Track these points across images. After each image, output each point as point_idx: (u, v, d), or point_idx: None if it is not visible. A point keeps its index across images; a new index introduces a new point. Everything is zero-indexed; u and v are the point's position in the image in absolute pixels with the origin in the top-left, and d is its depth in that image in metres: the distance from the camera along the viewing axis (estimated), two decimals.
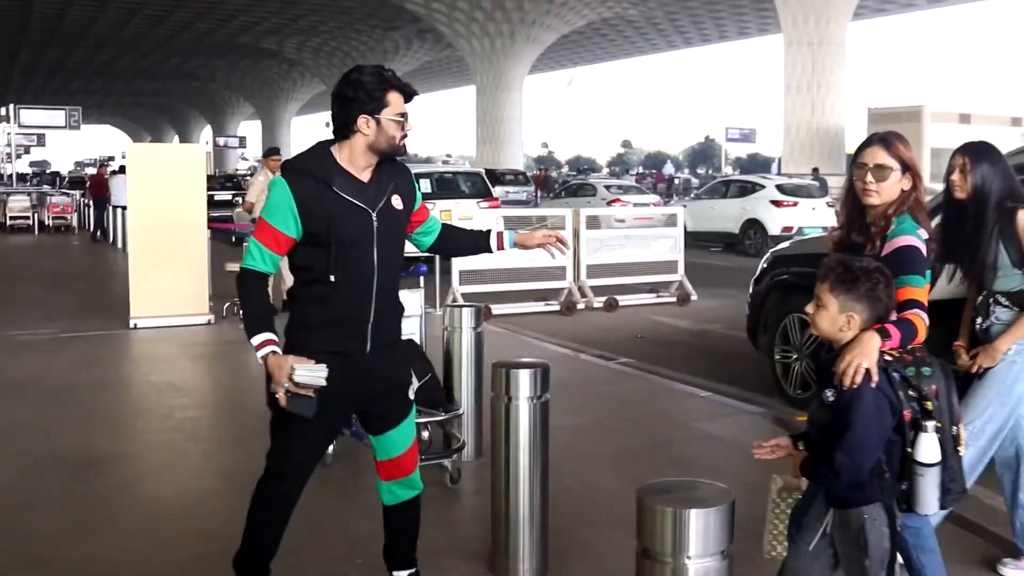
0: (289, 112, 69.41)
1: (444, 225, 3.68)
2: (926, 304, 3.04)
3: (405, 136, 3.23)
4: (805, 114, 29.45)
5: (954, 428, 2.86)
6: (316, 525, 4.45)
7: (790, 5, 29.33)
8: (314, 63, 55.27)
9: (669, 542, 2.35)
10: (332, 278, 3.13)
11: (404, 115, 3.21)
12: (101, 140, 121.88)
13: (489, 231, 3.71)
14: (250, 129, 79.25)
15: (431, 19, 40.78)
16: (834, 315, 2.76)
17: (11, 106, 36.12)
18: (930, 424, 2.75)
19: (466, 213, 13.36)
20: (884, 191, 3.19)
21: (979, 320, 3.93)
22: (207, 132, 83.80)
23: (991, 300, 3.88)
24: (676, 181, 56.97)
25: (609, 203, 23.08)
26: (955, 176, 3.89)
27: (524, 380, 3.90)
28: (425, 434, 5.60)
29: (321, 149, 3.24)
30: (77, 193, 30.36)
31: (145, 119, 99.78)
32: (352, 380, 3.17)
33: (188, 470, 5.59)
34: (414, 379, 5.01)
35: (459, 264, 10.95)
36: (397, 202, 3.28)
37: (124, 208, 20.16)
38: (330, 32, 49.87)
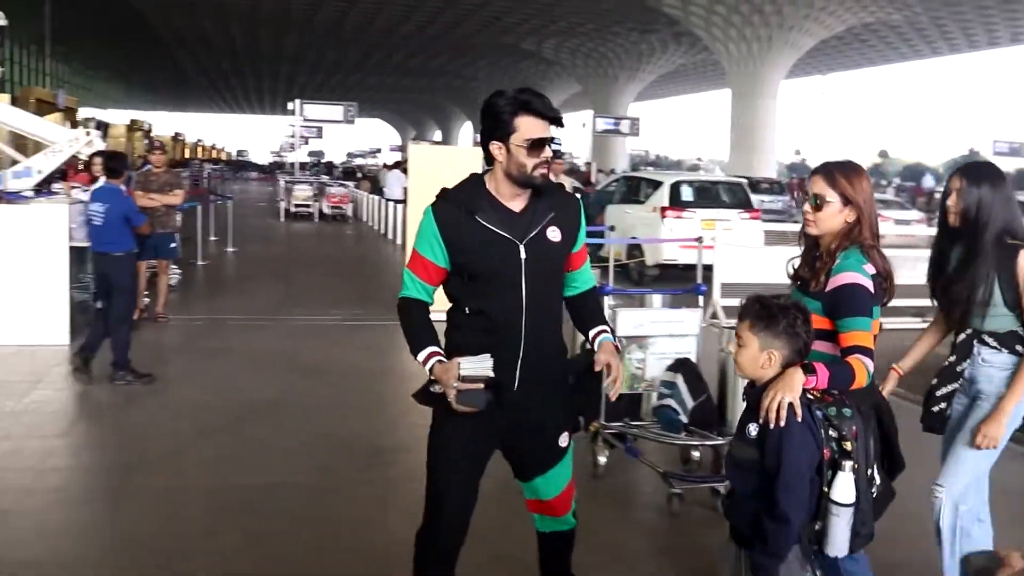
0: None
1: (589, 291, 3.28)
2: (872, 347, 2.93)
3: (540, 164, 2.95)
4: None
5: (868, 471, 2.86)
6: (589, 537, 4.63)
7: None
8: (571, 64, 56.14)
9: None
10: (467, 310, 3.02)
11: (540, 141, 2.95)
12: (371, 133, 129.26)
13: (599, 330, 3.20)
14: None
15: (688, 22, 40.40)
16: (755, 353, 2.79)
17: (297, 101, 38.95)
18: (847, 464, 2.75)
19: (727, 224, 13.22)
20: (822, 222, 3.11)
21: (953, 358, 3.57)
22: (467, 128, 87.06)
23: (975, 340, 3.52)
24: (935, 195, 53.38)
25: None
26: (950, 200, 3.54)
27: None
28: (696, 454, 5.69)
29: (475, 179, 3.07)
30: (351, 184, 32.33)
31: (410, 114, 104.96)
32: (501, 410, 2.96)
33: None
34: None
35: (721, 276, 10.88)
36: (554, 234, 3.02)
37: (396, 201, 21.48)
38: (587, 34, 50.48)
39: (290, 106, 42.45)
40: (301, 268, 15.62)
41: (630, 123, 44.86)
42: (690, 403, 5.38)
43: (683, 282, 11.21)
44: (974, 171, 3.53)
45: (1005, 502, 6.75)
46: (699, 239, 10.65)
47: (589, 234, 13.76)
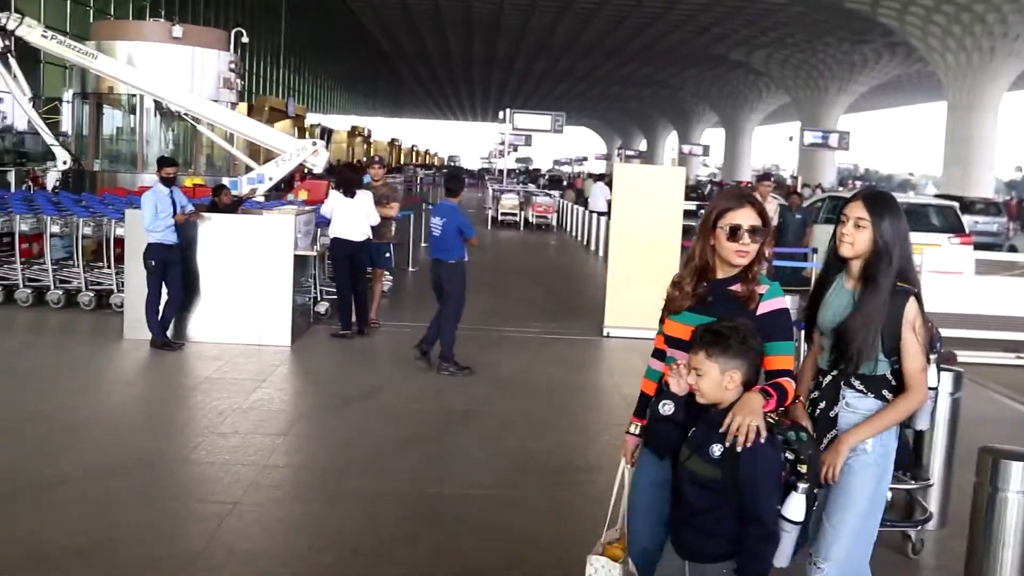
0: (752, 122, 69.45)
1: None
2: (793, 370, 3.10)
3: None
4: None
5: (815, 491, 3.02)
6: None
7: None
8: (780, 75, 54.83)
9: None
10: None
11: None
12: (577, 140, 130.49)
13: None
14: (713, 137, 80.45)
15: (904, 32, 38.61)
16: (716, 378, 2.92)
17: (508, 110, 39.96)
18: (801, 486, 2.90)
19: (936, 249, 12.62)
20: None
21: (822, 404, 3.28)
22: (673, 138, 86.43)
23: (842, 383, 3.26)
24: None
25: None
26: (846, 229, 3.29)
27: (1016, 473, 3.76)
28: (888, 495, 5.57)
29: None
30: (556, 194, 32.83)
31: (617, 123, 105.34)
32: None
33: None
34: None
35: (926, 305, 10.45)
36: None
37: (600, 214, 21.75)
38: (797, 45, 49.18)
39: (500, 115, 43.57)
40: (505, 277, 16.07)
41: (839, 137, 43.30)
42: (911, 433, 5.28)
43: None
44: (879, 202, 3.31)
45: None
46: None
47: (791, 256, 13.60)
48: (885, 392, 3.31)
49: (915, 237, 12.34)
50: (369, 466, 6.04)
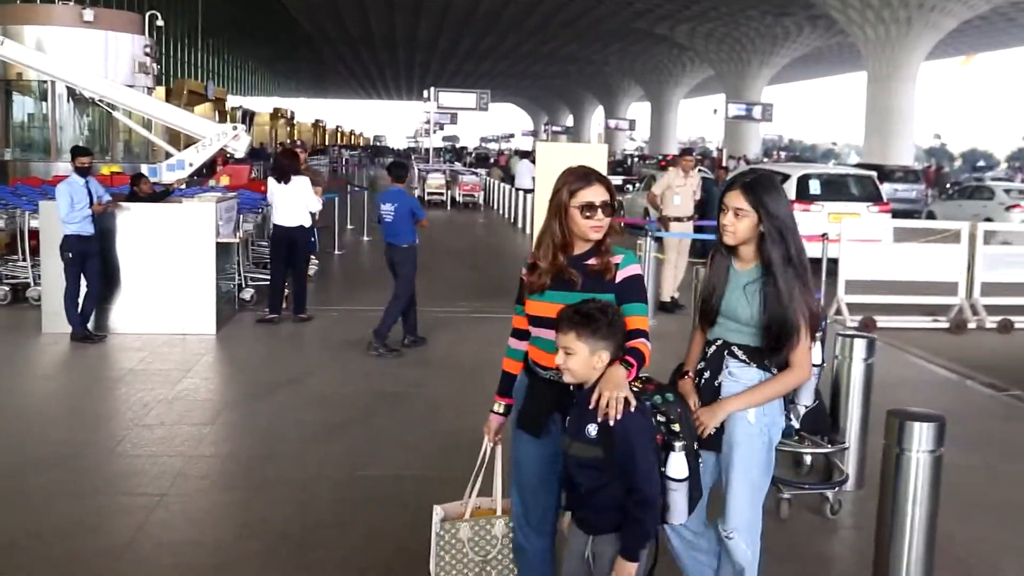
0: (677, 95, 70.08)
1: None
2: (647, 331, 3.20)
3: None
4: None
5: (694, 444, 3.13)
6: None
7: None
8: (704, 48, 55.38)
9: None
10: None
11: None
12: (504, 117, 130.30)
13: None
14: (639, 111, 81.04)
15: (824, 5, 39.29)
16: (586, 357, 3.01)
17: (432, 88, 39.74)
18: (678, 444, 3.04)
19: (856, 218, 12.97)
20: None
21: (707, 373, 3.43)
22: (599, 113, 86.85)
23: (726, 352, 3.42)
24: None
25: (1008, 208, 21.08)
26: (727, 219, 3.37)
27: (920, 433, 3.91)
28: (807, 458, 5.75)
29: None
30: (482, 172, 32.83)
31: (543, 99, 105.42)
32: None
33: None
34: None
35: (846, 273, 10.74)
36: None
37: (526, 191, 21.79)
38: (721, 18, 49.73)
39: (425, 94, 43.30)
40: (433, 257, 15.99)
41: (762, 109, 44.03)
42: (802, 409, 5.44)
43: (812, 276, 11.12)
44: (756, 188, 3.34)
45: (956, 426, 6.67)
46: (824, 235, 10.54)
47: (716, 229, 13.81)
48: (766, 363, 3.38)
49: (835, 207, 12.71)
50: (297, 452, 6.03)
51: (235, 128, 17.66)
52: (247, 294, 10.89)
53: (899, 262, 10.98)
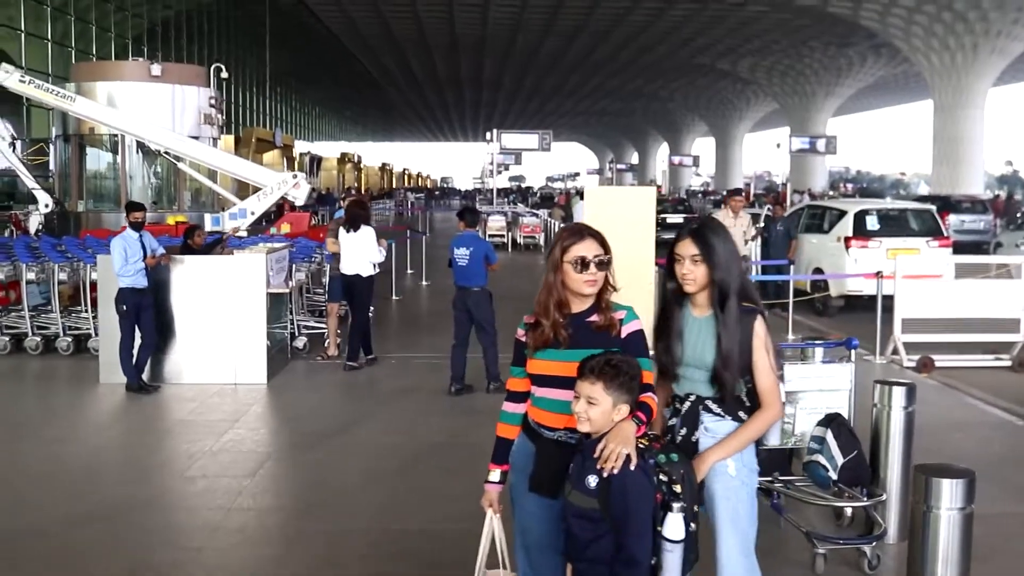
0: (741, 130, 69.66)
1: None
2: (653, 385, 3.23)
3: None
4: None
5: (695, 507, 3.09)
6: None
7: None
8: (767, 82, 55.06)
9: None
10: None
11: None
12: (568, 156, 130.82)
13: None
14: (703, 146, 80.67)
15: (887, 34, 38.83)
16: (607, 409, 3.00)
17: (494, 130, 40.10)
18: (677, 505, 2.99)
19: (916, 253, 12.65)
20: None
21: (683, 431, 3.35)
22: (663, 149, 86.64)
23: (700, 408, 3.33)
24: None
25: None
26: (685, 268, 3.38)
27: (947, 490, 3.79)
28: (848, 511, 5.60)
29: None
30: (544, 212, 32.88)
31: (607, 136, 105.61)
32: None
33: None
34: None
35: (902, 312, 10.47)
36: None
37: None
38: (783, 51, 49.42)
39: (488, 135, 43.69)
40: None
41: (826, 141, 43.42)
42: (840, 460, 5.31)
43: (870, 313, 10.86)
44: (706, 234, 3.38)
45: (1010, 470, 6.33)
46: (879, 273, 10.32)
47: (776, 270, 13.58)
48: (741, 413, 3.40)
49: (894, 242, 12.35)
50: (335, 504, 6.06)
51: (295, 176, 18.05)
52: (300, 342, 11.04)
53: (958, 298, 10.66)
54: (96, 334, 10.44)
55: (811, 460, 5.43)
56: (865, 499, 5.23)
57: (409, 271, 19.63)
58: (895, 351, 10.39)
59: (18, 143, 22.28)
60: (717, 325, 3.36)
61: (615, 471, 2.93)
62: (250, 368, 9.42)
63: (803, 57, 50.01)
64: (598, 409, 3.02)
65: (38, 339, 10.91)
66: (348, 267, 10.19)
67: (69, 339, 10.84)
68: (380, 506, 6.01)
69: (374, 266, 10.47)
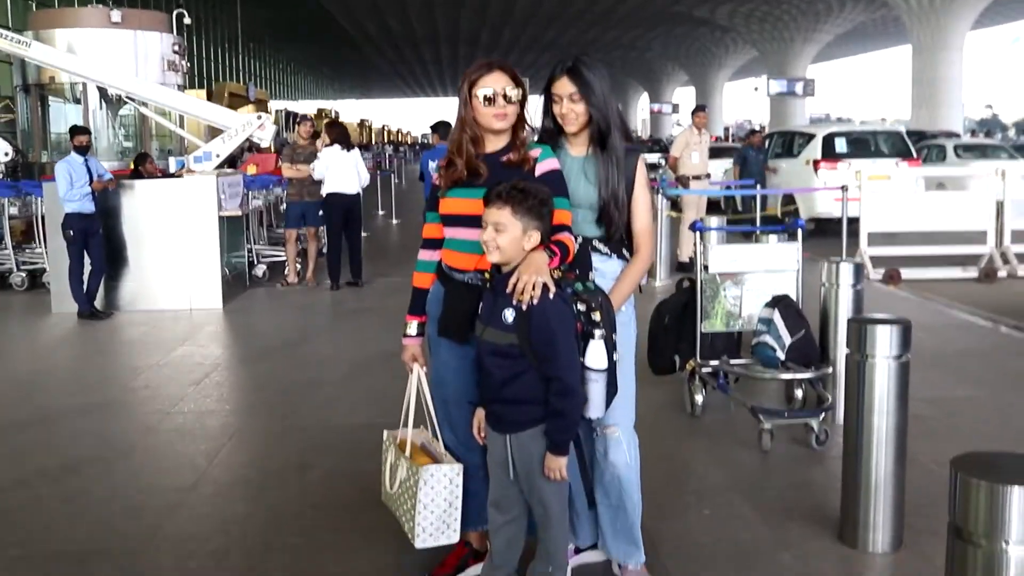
0: (721, 78, 69.16)
1: None
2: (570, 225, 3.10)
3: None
4: None
5: (614, 336, 2.98)
6: (671, 473, 4.59)
7: None
8: (746, 29, 54.48)
9: (983, 522, 2.04)
10: None
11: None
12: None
13: None
14: (684, 96, 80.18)
15: None
16: (517, 236, 2.85)
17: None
18: (598, 332, 2.89)
19: (882, 172, 12.51)
20: (512, 114, 3.13)
21: (576, 272, 3.17)
22: (644, 100, 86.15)
23: (588, 248, 3.24)
24: None
25: None
26: (564, 108, 3.20)
27: (882, 337, 3.66)
28: (799, 393, 5.50)
29: None
30: None
31: None
32: None
33: None
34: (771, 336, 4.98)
35: (868, 225, 10.35)
36: None
37: None
38: None
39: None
40: None
41: (804, 84, 43.12)
42: (787, 340, 5.21)
43: (840, 237, 10.74)
44: (583, 72, 3.18)
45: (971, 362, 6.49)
46: (844, 187, 10.20)
47: (743, 188, 13.64)
48: (624, 251, 3.32)
49: (863, 164, 12.19)
50: (276, 406, 5.93)
51: (260, 117, 17.68)
52: (259, 270, 10.86)
53: (925, 211, 10.56)
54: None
55: (759, 342, 5.33)
56: (808, 371, 5.12)
57: (380, 212, 19.46)
58: (861, 264, 10.27)
59: None
60: (597, 164, 3.24)
61: (534, 302, 2.77)
62: (205, 293, 9.24)
63: (781, 3, 49.47)
64: (507, 236, 2.85)
65: None
66: (346, 186, 10.16)
67: (23, 274, 10.63)
68: (323, 406, 5.88)
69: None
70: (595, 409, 2.96)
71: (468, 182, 3.15)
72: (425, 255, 3.34)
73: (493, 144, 3.19)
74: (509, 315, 2.83)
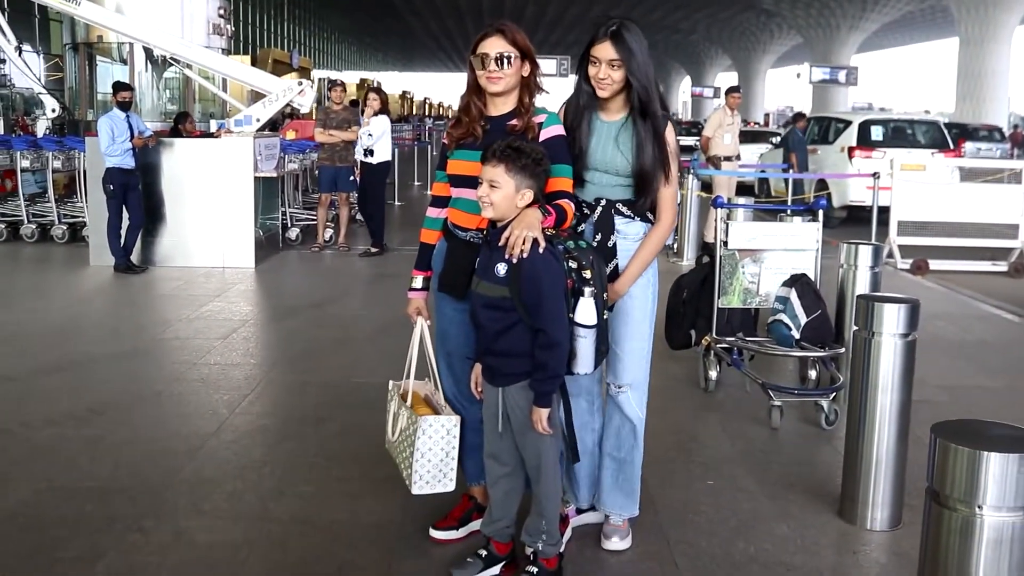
0: (764, 64, 68.39)
1: None
2: (573, 192, 3.19)
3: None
4: None
5: (604, 294, 3.02)
6: (680, 444, 4.67)
7: None
8: (791, 14, 53.78)
9: (961, 487, 2.11)
10: None
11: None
12: None
13: None
14: (726, 81, 79.34)
15: None
16: (510, 193, 2.93)
17: None
18: (588, 290, 2.95)
19: (918, 162, 12.40)
20: (509, 77, 3.15)
21: (598, 236, 3.27)
22: (686, 83, 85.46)
23: (612, 211, 3.31)
24: None
25: None
26: (602, 72, 3.20)
27: (889, 315, 3.71)
28: (813, 373, 5.55)
29: None
30: None
31: None
32: None
33: None
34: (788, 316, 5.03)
35: (898, 214, 10.30)
36: None
37: None
38: None
39: None
40: None
41: (847, 72, 42.49)
42: (803, 319, 5.26)
43: (870, 225, 10.69)
44: (626, 38, 3.19)
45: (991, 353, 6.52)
46: (875, 175, 10.15)
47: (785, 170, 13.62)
48: (650, 215, 3.37)
49: (899, 153, 12.04)
50: (298, 361, 6.08)
51: (300, 84, 17.81)
52: (293, 233, 11.02)
53: (957, 203, 10.48)
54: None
55: (775, 320, 5.38)
56: (822, 351, 5.16)
57: (416, 183, 19.60)
58: (890, 254, 10.24)
59: (24, 48, 22.13)
60: (633, 131, 3.28)
61: (524, 255, 2.87)
62: (238, 252, 9.42)
63: None
64: (500, 192, 2.95)
65: (34, 227, 10.95)
66: (388, 153, 10.60)
67: (64, 227, 10.88)
68: (346, 364, 6.01)
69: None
70: (583, 365, 3.04)
71: (472, 144, 3.24)
72: (433, 212, 3.44)
73: (498, 108, 3.26)
74: (502, 268, 2.93)
